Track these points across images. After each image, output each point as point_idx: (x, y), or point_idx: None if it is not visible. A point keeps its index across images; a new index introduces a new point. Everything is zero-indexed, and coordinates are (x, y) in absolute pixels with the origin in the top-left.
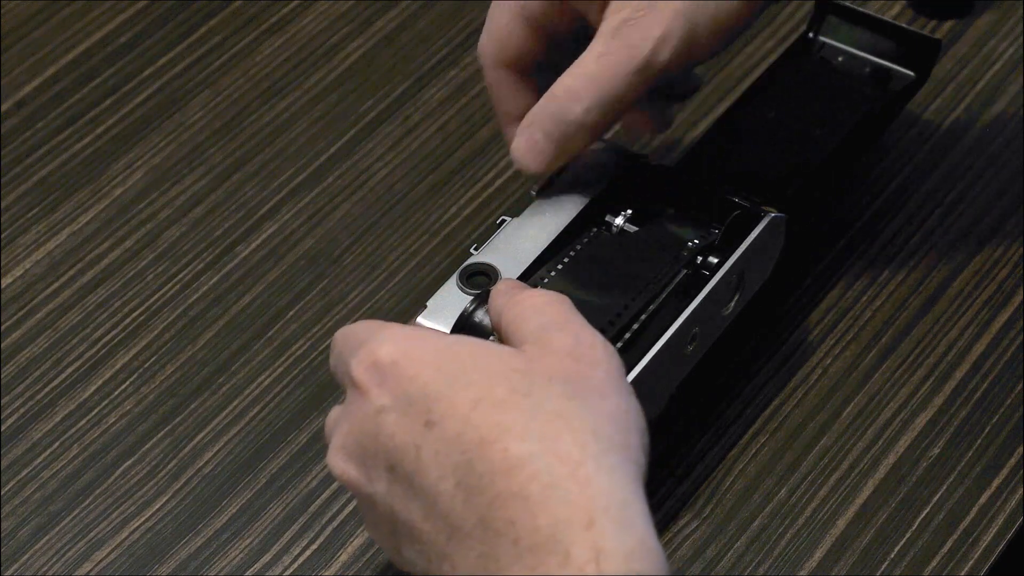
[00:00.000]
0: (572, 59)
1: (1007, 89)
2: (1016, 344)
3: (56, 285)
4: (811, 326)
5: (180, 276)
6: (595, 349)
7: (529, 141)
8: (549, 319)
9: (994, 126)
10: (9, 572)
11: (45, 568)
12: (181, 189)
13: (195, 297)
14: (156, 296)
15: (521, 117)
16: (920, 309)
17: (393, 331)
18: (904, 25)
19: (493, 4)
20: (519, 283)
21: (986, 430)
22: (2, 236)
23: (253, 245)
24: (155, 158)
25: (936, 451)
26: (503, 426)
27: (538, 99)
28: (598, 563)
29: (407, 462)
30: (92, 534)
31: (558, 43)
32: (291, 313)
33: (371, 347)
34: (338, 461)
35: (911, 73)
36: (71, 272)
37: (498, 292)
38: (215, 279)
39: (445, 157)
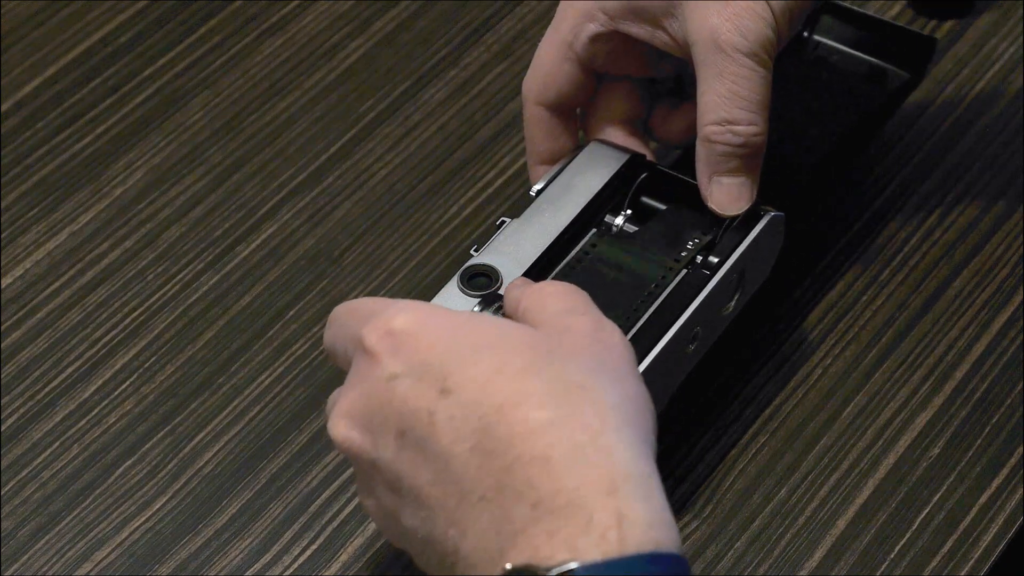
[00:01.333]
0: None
1: (1007, 89)
2: (1016, 344)
3: (56, 285)
4: (811, 326)
5: (180, 276)
6: (613, 335)
7: (732, 194)
8: (569, 305)
9: (994, 126)
10: (9, 572)
11: (45, 568)
12: (181, 189)
13: (195, 297)
14: (156, 296)
15: (552, 160)
16: (920, 309)
17: (408, 303)
18: (899, 24)
19: (542, 41)
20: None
21: (986, 430)
22: (2, 236)
23: (253, 245)
24: (155, 158)
25: (936, 451)
26: (523, 393)
27: (575, 142)
28: (620, 528)
29: (419, 427)
30: (92, 534)
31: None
32: (291, 313)
33: (386, 316)
34: (341, 428)
35: (906, 72)
36: (71, 272)
37: (514, 285)
38: (215, 279)
39: (445, 157)
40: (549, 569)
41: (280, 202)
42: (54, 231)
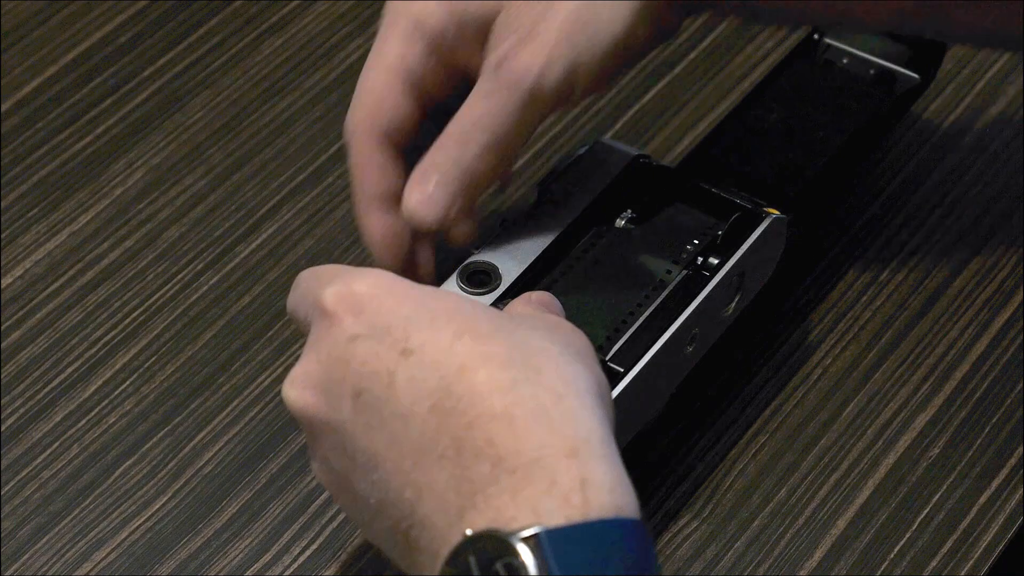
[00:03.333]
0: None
1: (1007, 89)
2: (1016, 344)
3: (56, 285)
4: (811, 326)
5: (180, 276)
6: (579, 331)
7: (423, 193)
8: (543, 310)
9: (994, 126)
10: (9, 572)
11: (45, 568)
12: (181, 189)
13: (195, 297)
14: (156, 296)
15: (388, 203)
16: (920, 309)
17: (374, 270)
18: None
19: (365, 68)
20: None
21: (986, 430)
22: (2, 236)
23: (253, 245)
24: (155, 158)
25: (936, 451)
26: (486, 355)
27: (406, 177)
28: (583, 491)
29: (377, 388)
30: (92, 534)
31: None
32: None
33: (349, 279)
34: (295, 388)
35: (916, 75)
36: (71, 272)
37: (521, 299)
38: (215, 279)
39: None
40: (512, 533)
41: (280, 202)
42: (54, 231)
